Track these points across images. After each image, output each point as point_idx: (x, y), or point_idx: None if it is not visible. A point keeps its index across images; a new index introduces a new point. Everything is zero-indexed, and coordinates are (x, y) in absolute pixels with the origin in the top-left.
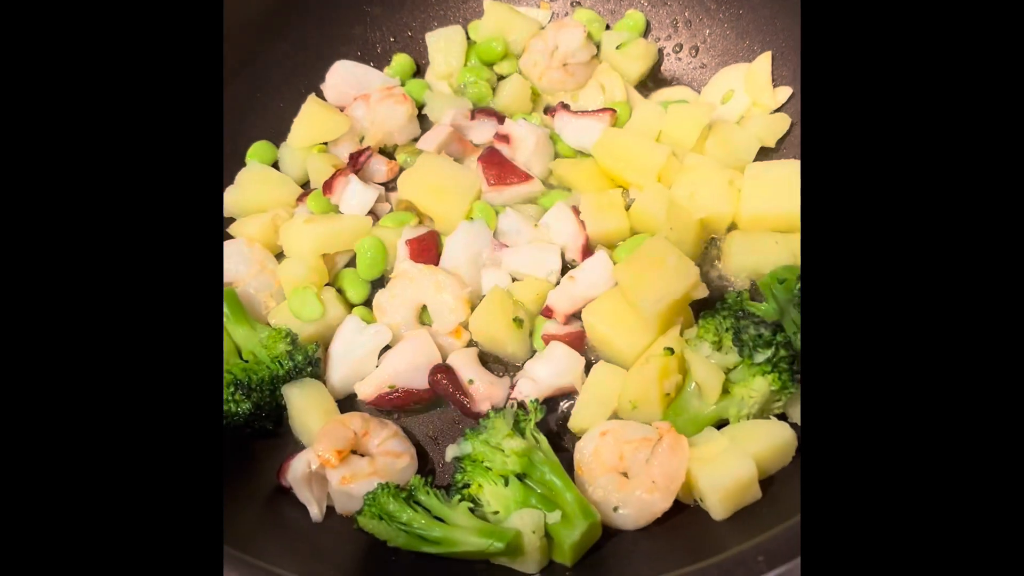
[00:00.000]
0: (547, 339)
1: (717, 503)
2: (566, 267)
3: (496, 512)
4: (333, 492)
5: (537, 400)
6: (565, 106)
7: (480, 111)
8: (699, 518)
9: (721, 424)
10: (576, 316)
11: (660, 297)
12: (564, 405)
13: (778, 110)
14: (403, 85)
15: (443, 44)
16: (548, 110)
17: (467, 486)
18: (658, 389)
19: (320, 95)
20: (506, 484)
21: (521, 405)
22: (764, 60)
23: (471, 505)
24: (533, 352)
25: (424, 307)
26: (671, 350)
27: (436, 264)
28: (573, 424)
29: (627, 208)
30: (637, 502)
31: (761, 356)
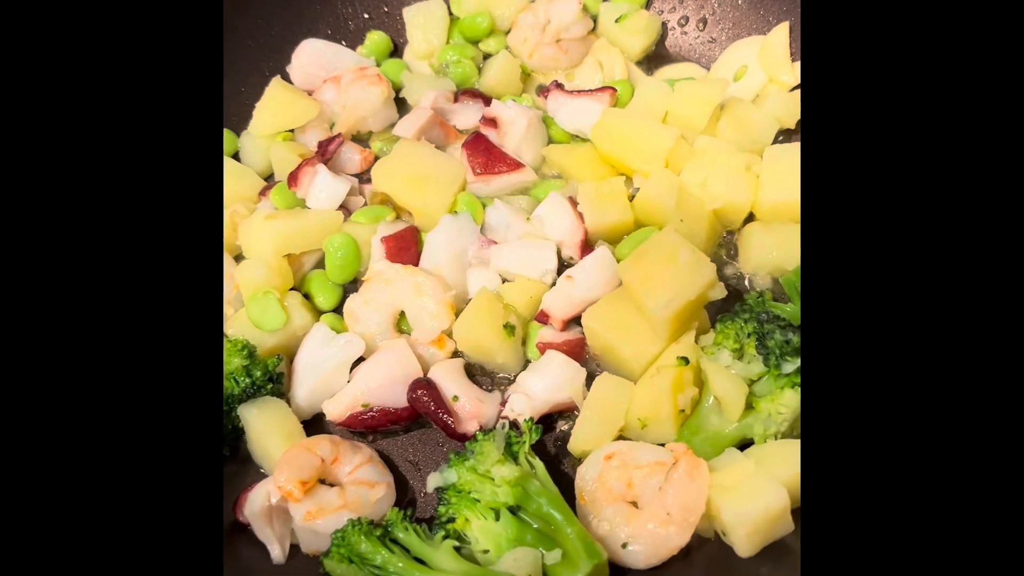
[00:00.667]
0: (542, 348)
1: (744, 537)
2: (563, 266)
3: (486, 551)
4: (297, 529)
5: (532, 419)
6: (559, 85)
7: (464, 93)
8: (722, 554)
9: (745, 445)
10: (575, 321)
11: (671, 298)
12: (563, 424)
13: (798, 87)
14: (378, 66)
15: (422, 20)
16: (540, 90)
17: (452, 520)
18: (671, 405)
19: (286, 78)
20: (497, 518)
21: (513, 425)
22: (781, 32)
23: (457, 543)
24: (527, 363)
25: (402, 313)
26: (685, 359)
27: (415, 264)
28: (573, 446)
29: (631, 198)
30: (650, 537)
31: (790, 366)
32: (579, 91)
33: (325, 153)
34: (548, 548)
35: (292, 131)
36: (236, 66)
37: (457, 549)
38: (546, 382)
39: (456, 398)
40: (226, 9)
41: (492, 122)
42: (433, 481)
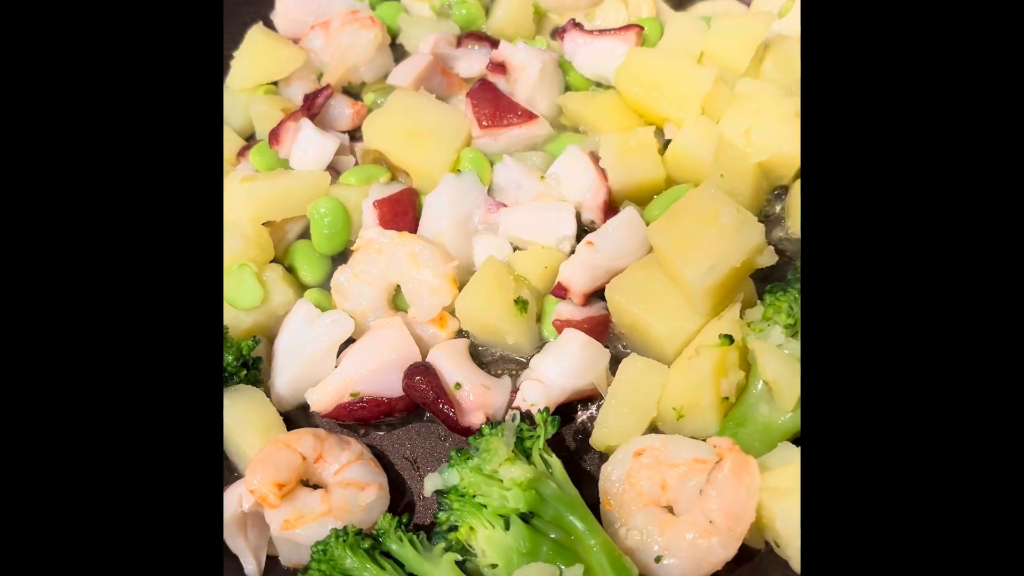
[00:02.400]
0: (560, 326)
1: (800, 549)
2: (583, 231)
3: (494, 566)
4: (275, 538)
5: (547, 409)
6: (577, 25)
7: (469, 36)
8: (775, 568)
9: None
10: (598, 295)
11: (712, 265)
12: (584, 415)
13: None
14: (372, 8)
15: None
16: (556, 32)
17: (454, 529)
18: (713, 391)
19: (269, 25)
20: (507, 527)
21: (526, 416)
22: None
23: (459, 556)
24: (542, 344)
25: (397, 288)
26: (729, 338)
27: (413, 231)
28: (597, 440)
29: (662, 151)
30: (688, 548)
31: None
32: (600, 30)
33: (311, 107)
34: (568, 563)
35: (276, 84)
36: None
37: (460, 563)
38: (564, 366)
39: (459, 385)
40: None
41: (500, 67)
42: (432, 483)
